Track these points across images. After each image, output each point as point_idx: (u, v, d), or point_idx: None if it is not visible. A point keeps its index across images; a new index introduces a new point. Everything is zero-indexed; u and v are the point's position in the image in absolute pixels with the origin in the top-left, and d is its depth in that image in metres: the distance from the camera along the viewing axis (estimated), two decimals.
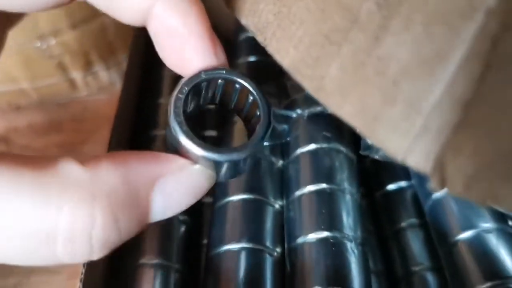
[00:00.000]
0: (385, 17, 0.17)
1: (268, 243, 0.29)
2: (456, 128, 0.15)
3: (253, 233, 0.29)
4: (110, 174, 0.18)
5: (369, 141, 0.17)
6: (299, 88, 0.34)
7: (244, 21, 0.24)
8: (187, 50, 0.21)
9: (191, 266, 0.31)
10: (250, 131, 0.23)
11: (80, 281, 0.25)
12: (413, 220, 0.33)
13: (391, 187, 0.35)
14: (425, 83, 0.15)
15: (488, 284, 0.27)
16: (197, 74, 0.21)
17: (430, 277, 0.31)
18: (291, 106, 0.34)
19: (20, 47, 0.43)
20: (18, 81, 0.46)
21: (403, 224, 0.33)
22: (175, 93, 0.21)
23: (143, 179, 0.19)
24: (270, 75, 0.36)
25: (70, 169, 0.18)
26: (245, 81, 0.22)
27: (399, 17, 0.16)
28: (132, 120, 0.36)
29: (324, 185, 0.30)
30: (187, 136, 0.20)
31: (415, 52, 0.16)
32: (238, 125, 0.34)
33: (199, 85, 0.22)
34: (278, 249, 0.29)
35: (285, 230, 0.30)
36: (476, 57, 0.15)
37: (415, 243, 0.32)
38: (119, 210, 0.18)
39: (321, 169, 0.31)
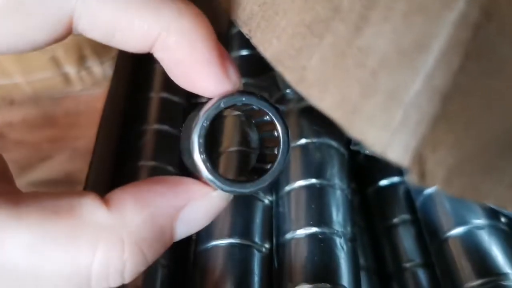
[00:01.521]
0: (366, 7, 0.16)
1: (256, 239, 0.29)
2: (435, 121, 0.14)
3: (242, 228, 0.29)
4: (135, 216, 0.19)
5: (349, 133, 0.16)
6: (285, 84, 0.34)
7: (232, 14, 0.24)
8: (199, 77, 0.21)
9: (179, 261, 0.30)
10: (264, 149, 0.23)
11: None
12: (405, 216, 0.33)
13: (383, 182, 0.35)
14: (405, 74, 0.15)
15: (480, 281, 0.26)
16: (216, 105, 0.20)
17: (422, 274, 0.31)
18: (282, 100, 0.34)
19: None
20: (11, 75, 0.46)
21: (395, 220, 0.33)
22: (198, 127, 0.20)
23: (166, 214, 0.20)
24: (262, 69, 0.35)
25: (97, 213, 0.19)
26: (264, 105, 0.21)
27: (379, 7, 0.16)
28: (122, 114, 0.35)
29: (314, 180, 0.30)
30: (211, 173, 0.20)
31: (394, 43, 0.15)
32: (229, 118, 0.33)
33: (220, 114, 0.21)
34: (267, 245, 0.29)
35: (273, 225, 0.30)
36: (455, 47, 0.14)
37: (407, 239, 0.32)
38: (145, 247, 0.19)
39: (311, 164, 0.30)
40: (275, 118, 0.21)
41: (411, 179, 0.14)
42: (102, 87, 0.50)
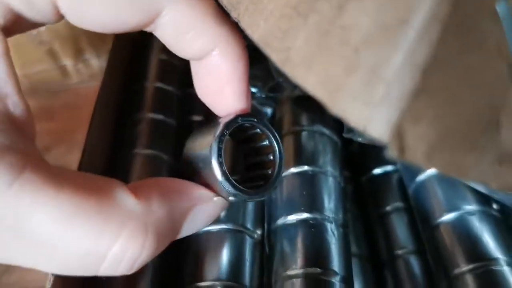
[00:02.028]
0: None
1: (248, 225, 0.29)
2: (415, 95, 0.14)
3: (234, 214, 0.29)
4: (159, 207, 0.20)
5: (332, 112, 0.17)
6: (278, 73, 0.34)
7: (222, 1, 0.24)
8: (226, 91, 0.24)
9: (171, 247, 0.31)
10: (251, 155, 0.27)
11: None
12: (398, 204, 0.33)
13: (377, 171, 0.35)
14: (386, 50, 0.15)
15: (470, 266, 0.27)
16: (235, 119, 0.24)
17: (414, 261, 0.31)
18: (276, 89, 0.34)
19: None
20: None
21: (388, 207, 0.33)
22: (218, 133, 0.23)
23: (181, 211, 0.22)
24: (256, 59, 0.35)
25: (126, 200, 0.19)
26: (268, 130, 0.25)
27: None
28: (116, 103, 0.35)
29: (306, 167, 0.30)
30: (226, 178, 0.23)
31: (376, 19, 0.16)
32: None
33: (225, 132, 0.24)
34: (259, 231, 0.29)
35: (265, 212, 0.30)
36: (436, 22, 0.14)
37: (400, 227, 0.32)
38: (161, 238, 0.20)
39: (304, 151, 0.31)
40: (274, 142, 0.25)
41: (391, 153, 0.15)
42: (99, 79, 0.50)
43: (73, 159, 0.51)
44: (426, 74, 0.14)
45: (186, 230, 0.22)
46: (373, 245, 0.33)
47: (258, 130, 0.25)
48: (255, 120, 0.24)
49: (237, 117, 0.24)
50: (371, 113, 0.15)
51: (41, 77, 0.48)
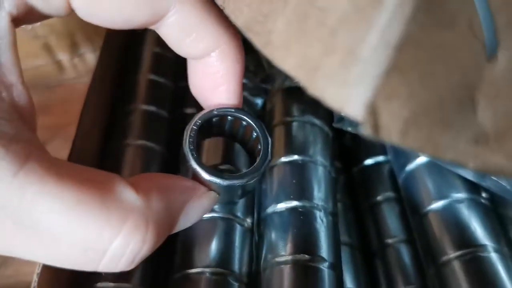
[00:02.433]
0: None
1: (238, 213, 0.29)
2: (388, 72, 0.15)
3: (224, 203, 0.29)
4: (159, 202, 0.21)
5: (310, 92, 0.17)
6: (268, 65, 0.34)
7: None
8: (221, 90, 0.25)
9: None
10: (251, 156, 0.28)
11: None
12: (389, 194, 0.33)
13: (368, 162, 0.35)
14: (362, 31, 0.15)
15: (458, 252, 0.27)
16: (211, 111, 0.25)
17: (404, 249, 0.31)
18: (267, 80, 0.34)
19: None
20: None
21: (379, 197, 0.33)
22: (190, 125, 0.24)
23: (178, 205, 0.22)
24: (247, 50, 0.36)
25: (127, 194, 0.20)
26: (250, 120, 0.25)
27: None
28: (109, 94, 0.36)
29: (296, 157, 0.30)
30: (197, 162, 0.23)
31: (352, 0, 0.16)
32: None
33: (211, 120, 0.25)
34: (249, 220, 0.30)
35: (255, 201, 0.30)
36: (408, 0, 0.15)
37: (390, 216, 0.32)
38: (161, 232, 0.20)
39: (294, 141, 0.31)
40: (258, 130, 0.25)
41: (365, 131, 0.15)
42: None
43: (68, 153, 0.52)
44: (399, 52, 0.15)
45: (182, 224, 0.23)
46: (364, 234, 0.34)
47: (244, 123, 0.26)
48: (232, 110, 0.25)
49: (213, 109, 0.25)
50: (348, 92, 0.16)
51: (37, 72, 0.48)
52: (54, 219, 0.18)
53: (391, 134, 0.15)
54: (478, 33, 0.15)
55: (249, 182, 0.24)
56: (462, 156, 0.16)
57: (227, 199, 0.26)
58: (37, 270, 0.25)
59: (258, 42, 0.19)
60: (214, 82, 0.24)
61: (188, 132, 0.24)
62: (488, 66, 0.16)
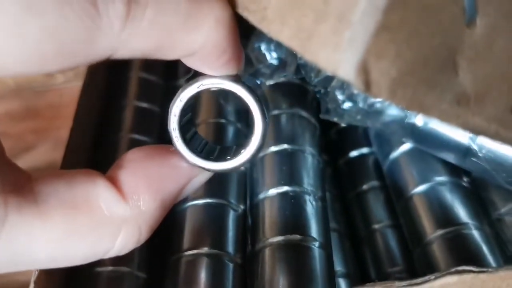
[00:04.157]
0: None
1: (231, 199, 0.30)
2: (377, 31, 0.16)
3: (218, 189, 0.30)
4: (150, 203, 0.20)
5: (305, 58, 0.18)
6: (263, 59, 0.36)
7: None
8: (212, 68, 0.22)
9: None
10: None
11: None
12: (374, 183, 0.34)
13: (353, 154, 0.36)
14: None
15: (442, 231, 0.28)
16: (195, 85, 0.21)
17: (390, 234, 0.32)
18: (255, 75, 0.35)
19: None
20: None
21: (365, 186, 0.35)
22: (174, 102, 0.21)
23: (174, 196, 0.21)
24: None
25: (116, 208, 0.19)
26: (244, 90, 0.21)
27: None
28: (102, 92, 0.37)
29: (285, 146, 0.31)
30: (183, 145, 0.21)
31: None
32: (205, 93, 0.35)
33: (198, 94, 0.21)
34: (242, 206, 0.30)
35: (247, 190, 0.31)
36: None
37: (376, 204, 0.34)
38: (154, 226, 0.21)
39: (283, 132, 0.32)
40: (252, 105, 0.21)
41: (357, 87, 0.16)
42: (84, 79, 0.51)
43: (58, 155, 0.52)
44: (386, 12, 0.16)
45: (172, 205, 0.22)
46: (351, 222, 0.35)
47: (238, 95, 0.21)
48: (223, 79, 0.21)
49: (198, 82, 0.21)
50: (340, 57, 0.17)
51: (27, 77, 0.49)
52: (48, 251, 0.18)
53: (380, 91, 0.16)
54: None
55: (240, 167, 0.22)
56: (446, 115, 0.18)
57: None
58: None
59: (253, 19, 0.20)
60: (210, 63, 0.21)
61: (172, 110, 0.21)
62: (468, 31, 0.17)
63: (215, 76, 0.21)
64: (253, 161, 0.22)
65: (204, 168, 0.22)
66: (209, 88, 0.21)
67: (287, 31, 0.19)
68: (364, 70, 0.16)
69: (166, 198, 0.21)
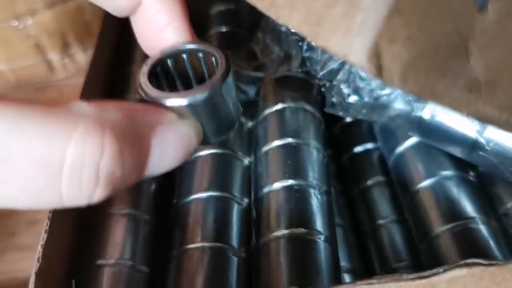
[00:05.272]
0: None
1: (236, 193, 0.30)
2: (389, 15, 0.16)
3: (221, 182, 0.30)
4: (116, 111, 0.19)
5: (315, 44, 0.18)
6: (267, 53, 0.36)
7: None
8: (168, 31, 0.24)
9: (161, 219, 0.31)
10: None
11: (45, 231, 0.25)
12: (379, 178, 0.34)
13: (358, 149, 0.36)
14: None
15: (449, 225, 0.28)
16: (162, 52, 0.23)
17: (395, 229, 0.32)
18: (260, 69, 0.35)
19: None
20: None
21: (369, 182, 0.34)
22: (142, 70, 0.23)
23: (144, 122, 0.20)
24: (240, 43, 0.37)
25: (78, 105, 0.18)
26: (205, 47, 0.23)
27: None
28: (104, 85, 0.36)
29: (290, 140, 0.31)
30: (153, 88, 0.22)
31: None
32: None
33: (165, 64, 0.24)
34: (246, 200, 0.30)
35: (252, 184, 0.31)
36: None
37: (381, 199, 0.33)
38: (124, 142, 0.18)
39: (287, 126, 0.32)
40: (214, 50, 0.23)
41: (368, 72, 0.16)
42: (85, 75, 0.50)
43: None
44: None
45: (159, 155, 0.20)
46: (355, 218, 0.34)
47: (200, 54, 0.24)
48: (185, 45, 0.24)
49: (163, 51, 0.24)
50: (351, 41, 0.17)
51: (28, 72, 0.49)
52: (2, 140, 0.17)
53: (392, 76, 0.16)
54: None
55: (212, 94, 0.22)
56: (457, 102, 0.17)
57: (209, 129, 0.23)
58: (38, 252, 0.25)
59: (261, 5, 0.20)
60: (158, 25, 0.24)
61: (140, 76, 0.23)
62: (480, 16, 0.17)
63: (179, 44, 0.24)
64: (218, 92, 0.22)
65: (178, 106, 0.21)
66: (176, 53, 0.24)
67: (296, 16, 0.18)
68: (376, 55, 0.16)
69: (136, 121, 0.20)
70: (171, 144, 0.21)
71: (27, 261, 0.43)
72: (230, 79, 0.23)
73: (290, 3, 0.19)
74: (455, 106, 0.17)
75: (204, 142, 0.23)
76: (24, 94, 0.51)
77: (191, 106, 0.22)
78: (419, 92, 0.17)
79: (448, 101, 0.17)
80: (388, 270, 0.30)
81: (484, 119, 0.18)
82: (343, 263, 0.31)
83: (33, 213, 0.44)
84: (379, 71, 0.16)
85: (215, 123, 0.23)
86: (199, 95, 0.22)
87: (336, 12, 0.17)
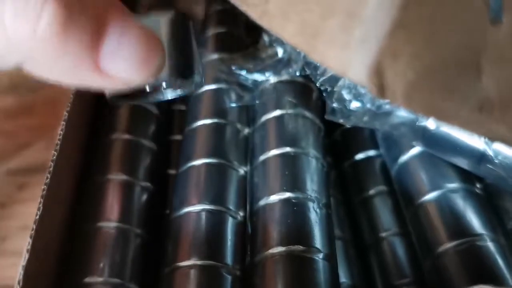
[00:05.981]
0: None
1: (230, 206, 0.28)
2: (393, 29, 0.14)
3: (216, 195, 0.28)
4: None
5: (311, 58, 0.16)
6: (272, 53, 0.34)
7: None
8: None
9: (153, 232, 0.30)
10: None
11: (30, 237, 0.24)
12: (382, 188, 0.33)
13: (359, 156, 0.35)
14: None
15: (454, 242, 0.26)
16: None
17: (398, 242, 0.30)
18: (260, 73, 0.34)
19: None
20: None
21: (371, 191, 0.33)
22: None
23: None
24: (237, 45, 0.36)
25: None
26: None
27: None
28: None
29: (288, 149, 0.29)
30: None
31: None
32: None
33: None
34: (241, 213, 0.29)
35: (248, 195, 0.30)
36: None
37: (383, 210, 0.32)
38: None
39: (286, 133, 0.30)
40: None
41: (369, 91, 0.14)
42: None
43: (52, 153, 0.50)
44: (403, 10, 0.14)
45: (112, 55, 0.18)
46: (356, 229, 0.33)
47: None
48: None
49: None
50: (350, 56, 0.15)
51: (21, 73, 0.47)
52: None
53: (396, 95, 0.15)
54: None
55: (175, 19, 0.21)
56: (466, 123, 0.16)
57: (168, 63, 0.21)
58: (22, 262, 0.24)
59: (253, 14, 0.18)
60: None
61: None
62: (492, 29, 0.15)
63: None
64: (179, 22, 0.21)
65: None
66: None
67: (290, 27, 0.17)
68: (378, 73, 0.14)
69: None
70: (126, 51, 0.18)
71: (17, 269, 0.42)
72: (191, 25, 0.22)
73: (284, 12, 0.17)
74: (465, 127, 0.16)
75: (162, 78, 0.21)
76: (19, 95, 0.49)
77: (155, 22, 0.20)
78: (424, 111, 0.15)
79: (457, 121, 0.16)
80: (390, 287, 0.29)
81: (497, 139, 0.17)
82: (343, 279, 0.29)
83: (25, 218, 0.42)
84: (381, 90, 0.14)
85: (174, 56, 0.21)
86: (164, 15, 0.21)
87: (333, 24, 0.16)
